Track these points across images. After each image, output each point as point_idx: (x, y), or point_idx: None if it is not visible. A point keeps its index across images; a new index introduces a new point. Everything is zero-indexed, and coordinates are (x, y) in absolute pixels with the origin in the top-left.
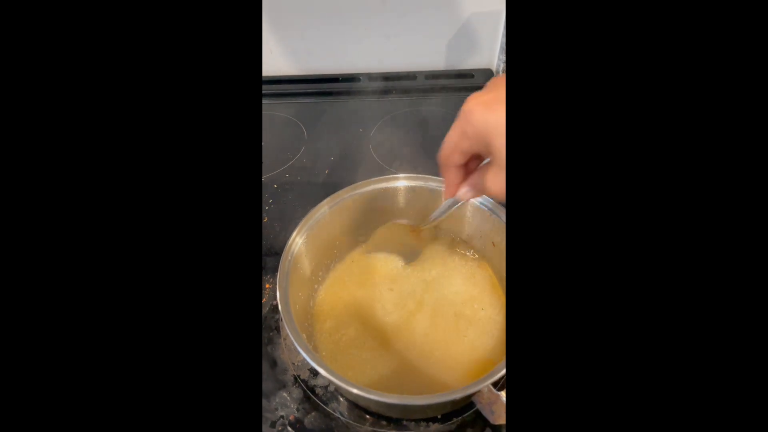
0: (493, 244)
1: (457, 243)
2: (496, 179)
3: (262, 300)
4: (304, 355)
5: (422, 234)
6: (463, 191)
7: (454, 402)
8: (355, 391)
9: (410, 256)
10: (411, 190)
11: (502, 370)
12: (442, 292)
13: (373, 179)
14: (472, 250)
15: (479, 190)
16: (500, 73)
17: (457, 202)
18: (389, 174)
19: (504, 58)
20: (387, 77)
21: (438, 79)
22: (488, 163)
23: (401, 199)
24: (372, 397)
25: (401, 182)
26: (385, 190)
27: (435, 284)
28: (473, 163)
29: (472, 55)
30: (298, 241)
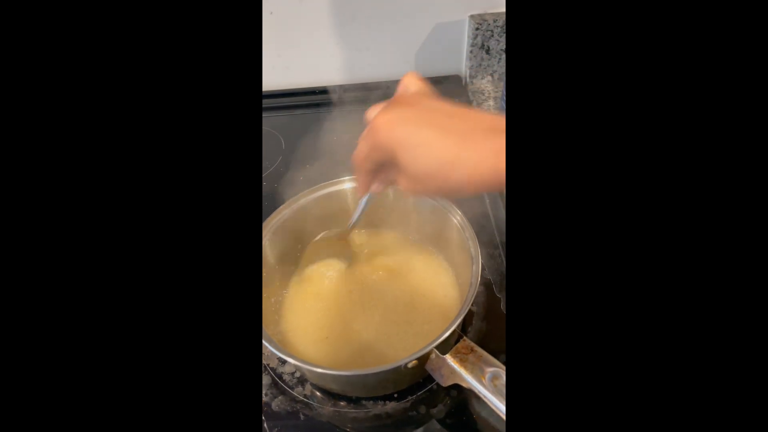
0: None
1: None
2: (408, 182)
3: (261, 299)
4: (267, 346)
5: (349, 239)
6: (374, 186)
7: (408, 371)
8: (316, 370)
9: (347, 261)
10: (327, 197)
11: (444, 334)
12: (392, 283)
13: (326, 182)
14: (420, 241)
15: (387, 183)
16: (467, 79)
17: (370, 198)
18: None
19: (470, 64)
20: (361, 88)
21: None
22: (398, 171)
23: (351, 199)
24: (328, 372)
25: (347, 184)
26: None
27: (384, 276)
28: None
29: (441, 63)
30: (267, 236)
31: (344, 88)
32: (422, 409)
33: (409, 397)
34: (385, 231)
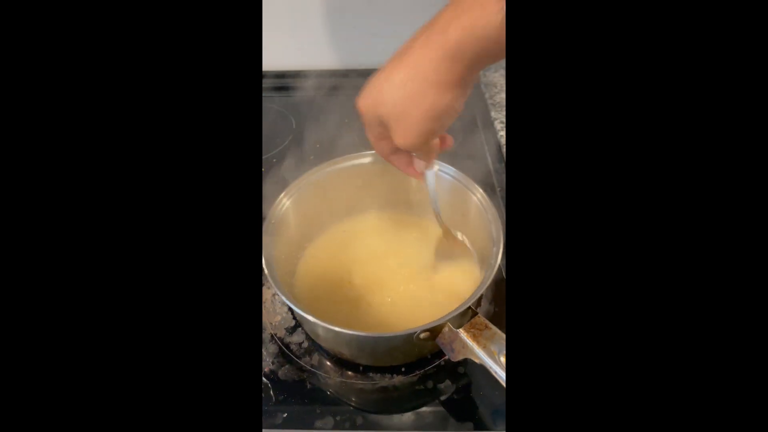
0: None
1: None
2: (399, 134)
3: (261, 299)
4: (282, 296)
5: (450, 234)
6: (419, 165)
7: (418, 343)
8: (328, 326)
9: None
10: (381, 165)
11: (459, 309)
12: (417, 258)
13: (354, 154)
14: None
15: (422, 158)
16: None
17: (427, 177)
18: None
19: None
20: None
21: None
22: (389, 131)
23: (371, 175)
24: (339, 330)
25: (368, 158)
26: (356, 166)
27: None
28: None
29: None
30: (285, 203)
31: (358, 73)
32: (429, 384)
33: (417, 372)
34: (406, 213)
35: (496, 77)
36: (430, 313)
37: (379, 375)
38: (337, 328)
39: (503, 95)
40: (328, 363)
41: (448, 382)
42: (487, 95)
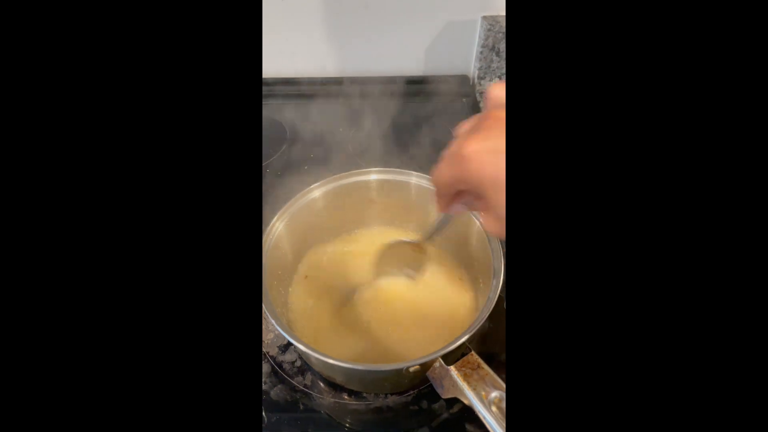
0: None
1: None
2: (495, 225)
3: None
4: (274, 324)
5: (426, 249)
6: (456, 208)
7: (408, 375)
8: (315, 355)
9: (416, 270)
10: (384, 183)
11: (453, 345)
12: (411, 285)
13: (346, 173)
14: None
15: (470, 209)
16: (475, 80)
17: (449, 216)
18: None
19: (479, 65)
20: (368, 81)
21: (416, 84)
22: (485, 207)
23: (374, 193)
24: (327, 360)
25: (374, 176)
26: (359, 183)
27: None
28: None
29: (450, 62)
30: (278, 226)
31: (352, 80)
32: (423, 404)
33: (411, 392)
34: (407, 232)
35: None
36: (429, 335)
37: (372, 395)
38: (325, 358)
39: None
40: (321, 383)
41: (441, 402)
42: (482, 104)
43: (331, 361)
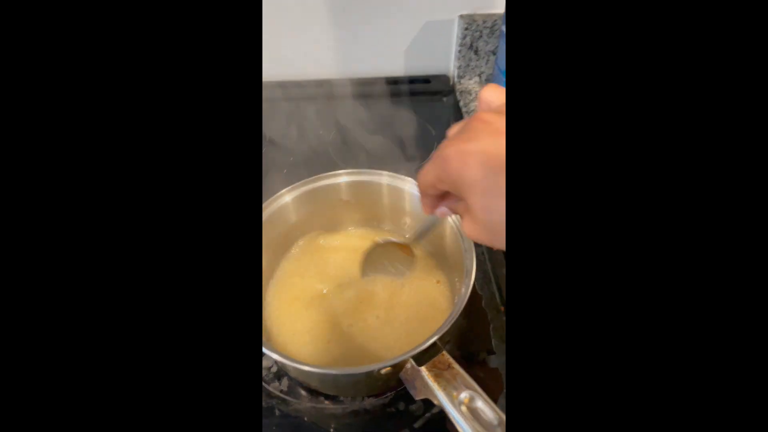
0: (438, 282)
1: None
2: (472, 228)
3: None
4: None
5: (414, 251)
6: (441, 210)
7: (381, 377)
8: (288, 362)
9: (406, 269)
10: (356, 184)
11: (423, 345)
12: (386, 285)
13: (315, 177)
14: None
15: (455, 212)
16: (455, 79)
17: (436, 219)
18: None
19: (458, 64)
20: (347, 83)
21: (397, 84)
22: (465, 210)
23: (346, 194)
24: (302, 367)
25: (344, 178)
26: (330, 186)
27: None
28: None
29: (430, 62)
30: None
31: (331, 83)
32: (401, 406)
33: (388, 394)
34: (382, 232)
35: (471, 84)
36: (408, 336)
37: (350, 398)
38: (295, 364)
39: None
40: (299, 388)
41: (419, 403)
42: (461, 103)
43: (300, 366)
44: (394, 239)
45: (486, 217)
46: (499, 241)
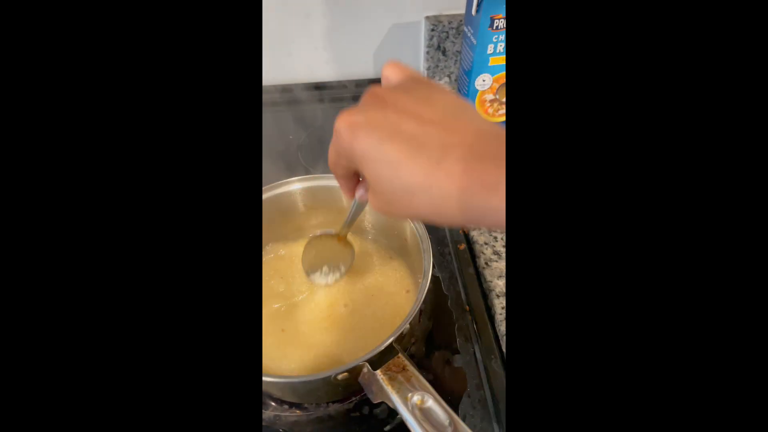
0: (407, 292)
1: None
2: (372, 200)
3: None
4: None
5: (346, 239)
6: (360, 193)
7: (340, 383)
8: None
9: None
10: (309, 191)
11: (378, 348)
12: (348, 285)
13: (268, 185)
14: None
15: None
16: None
17: (357, 204)
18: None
19: (427, 65)
20: (318, 87)
21: (367, 86)
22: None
23: (301, 201)
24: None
25: (297, 185)
26: (284, 194)
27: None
28: None
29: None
30: None
31: (301, 87)
32: (365, 410)
33: (353, 398)
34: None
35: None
36: (372, 340)
37: (313, 405)
38: None
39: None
40: (263, 396)
41: (384, 406)
42: None
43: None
44: (325, 231)
45: (379, 186)
46: (396, 211)
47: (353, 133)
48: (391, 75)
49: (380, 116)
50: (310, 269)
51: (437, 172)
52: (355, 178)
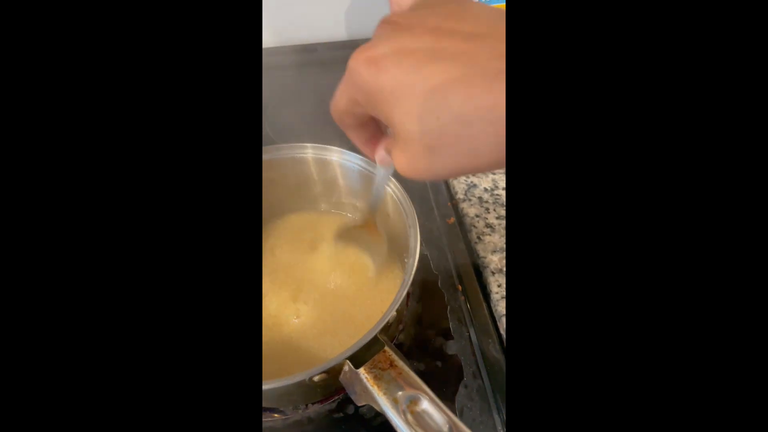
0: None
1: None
2: (402, 157)
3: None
4: None
5: (376, 226)
6: (380, 155)
7: (319, 384)
8: None
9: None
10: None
11: (361, 342)
12: (328, 271)
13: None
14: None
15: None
16: None
17: (386, 172)
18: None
19: None
20: (285, 51)
21: (340, 50)
22: (393, 138)
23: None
24: None
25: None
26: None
27: (319, 262)
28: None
29: (373, 23)
30: None
31: (267, 51)
32: (350, 409)
33: (336, 397)
34: (319, 212)
35: None
36: (357, 334)
37: (291, 408)
38: None
39: None
40: None
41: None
42: None
43: None
44: (353, 222)
45: (416, 130)
46: (440, 161)
47: (377, 66)
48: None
49: (409, 41)
50: (339, 265)
51: (500, 88)
52: (370, 129)
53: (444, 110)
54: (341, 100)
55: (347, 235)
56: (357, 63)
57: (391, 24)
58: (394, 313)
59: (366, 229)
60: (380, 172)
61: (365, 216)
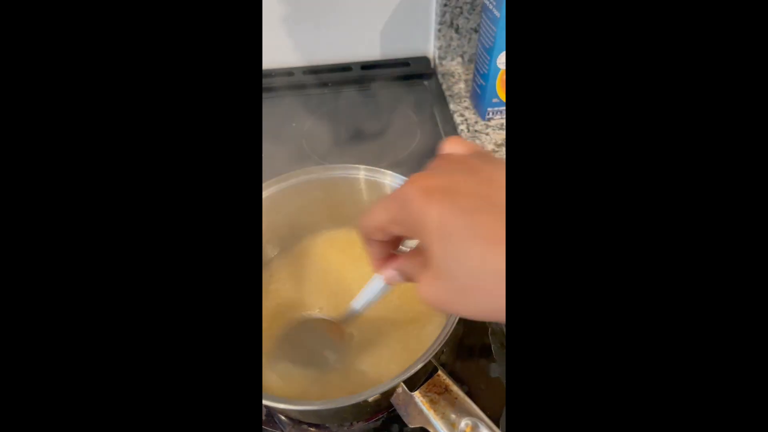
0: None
1: None
2: (431, 288)
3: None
4: None
5: (345, 329)
6: (390, 273)
7: (369, 404)
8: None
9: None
10: (331, 180)
11: (414, 368)
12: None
13: (285, 175)
14: None
15: (410, 278)
16: (436, 60)
17: (385, 286)
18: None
19: (439, 44)
20: (321, 70)
21: (373, 69)
22: (422, 262)
23: (321, 192)
24: (275, 405)
25: (315, 174)
26: (303, 184)
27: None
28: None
29: (408, 44)
30: None
31: (303, 70)
32: (395, 429)
33: (380, 416)
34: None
35: (453, 65)
36: (393, 351)
37: (337, 424)
38: (269, 402)
39: (462, 85)
40: (281, 416)
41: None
42: (444, 86)
43: (272, 404)
44: (323, 316)
45: (451, 267)
46: (465, 305)
47: (429, 196)
48: (456, 149)
49: (464, 182)
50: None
51: None
52: (389, 248)
53: (488, 263)
54: (380, 216)
55: (311, 326)
56: (412, 188)
57: (452, 160)
58: (447, 337)
59: (332, 328)
60: (377, 286)
61: (343, 319)
